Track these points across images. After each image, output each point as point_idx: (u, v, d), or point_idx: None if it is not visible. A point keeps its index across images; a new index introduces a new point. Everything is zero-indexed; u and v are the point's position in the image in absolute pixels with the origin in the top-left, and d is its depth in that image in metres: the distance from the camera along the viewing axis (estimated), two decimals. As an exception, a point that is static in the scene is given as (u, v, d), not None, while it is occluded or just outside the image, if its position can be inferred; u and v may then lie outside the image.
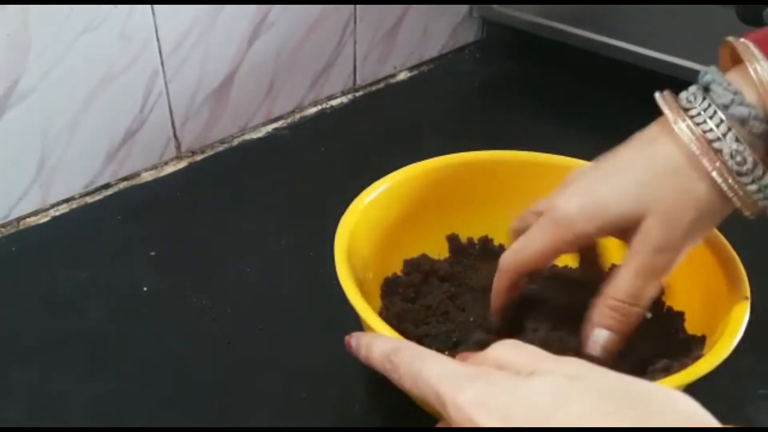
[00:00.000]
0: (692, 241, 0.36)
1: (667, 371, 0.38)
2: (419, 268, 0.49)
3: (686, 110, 0.35)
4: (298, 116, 0.77)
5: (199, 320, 0.51)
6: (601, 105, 0.80)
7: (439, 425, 0.31)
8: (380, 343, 0.34)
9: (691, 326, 0.43)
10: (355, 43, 0.80)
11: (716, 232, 0.43)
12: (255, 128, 0.74)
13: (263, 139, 0.73)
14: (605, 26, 0.78)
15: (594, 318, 0.38)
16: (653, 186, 0.35)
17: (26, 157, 0.59)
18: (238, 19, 0.67)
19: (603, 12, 0.79)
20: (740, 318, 0.37)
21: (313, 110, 0.79)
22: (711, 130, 0.33)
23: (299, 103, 0.78)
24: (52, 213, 0.62)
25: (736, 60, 0.36)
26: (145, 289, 0.54)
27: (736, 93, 0.33)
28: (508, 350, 0.30)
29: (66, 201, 0.63)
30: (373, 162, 0.65)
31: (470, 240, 0.51)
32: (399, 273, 0.49)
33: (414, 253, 0.50)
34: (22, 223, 0.60)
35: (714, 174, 0.34)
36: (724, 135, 0.33)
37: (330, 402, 0.45)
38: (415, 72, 0.88)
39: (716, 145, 0.33)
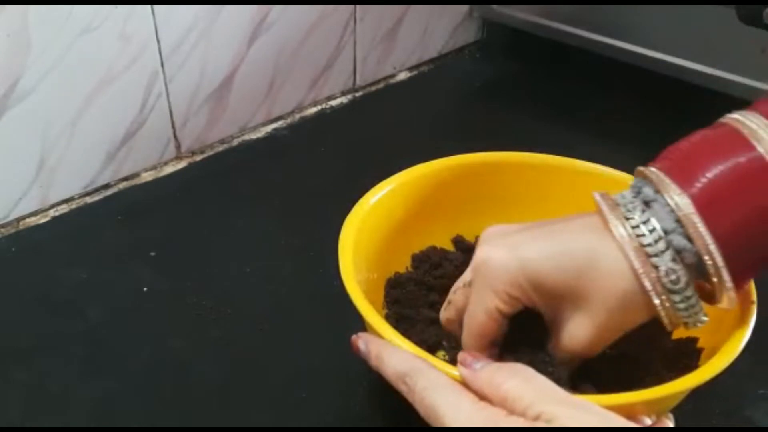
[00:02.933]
0: (610, 340, 0.37)
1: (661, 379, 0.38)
2: (429, 260, 0.49)
3: (627, 221, 0.35)
4: (298, 116, 0.77)
5: (199, 320, 0.51)
6: (601, 105, 0.80)
7: None
8: (393, 359, 0.35)
9: (695, 329, 0.43)
10: (355, 43, 0.80)
11: None
12: (255, 128, 0.74)
13: (263, 139, 0.73)
14: (605, 26, 0.79)
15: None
16: (589, 277, 0.35)
17: (26, 158, 0.59)
18: (238, 19, 0.67)
19: (603, 12, 0.79)
20: (747, 323, 0.37)
21: (313, 110, 0.79)
22: (651, 245, 0.34)
23: (299, 103, 0.78)
24: (52, 213, 0.62)
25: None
26: (145, 289, 0.54)
27: (677, 221, 0.34)
28: (519, 384, 0.31)
29: (66, 201, 0.63)
30: (372, 162, 0.65)
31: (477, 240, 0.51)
32: (405, 270, 0.49)
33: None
34: (21, 223, 0.60)
35: (650, 289, 0.34)
36: (662, 253, 0.34)
37: (330, 402, 0.45)
38: (415, 72, 0.88)
39: (654, 260, 0.34)
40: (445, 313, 0.41)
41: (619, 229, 0.34)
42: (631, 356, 0.41)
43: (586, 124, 0.76)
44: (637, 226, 0.34)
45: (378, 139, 0.74)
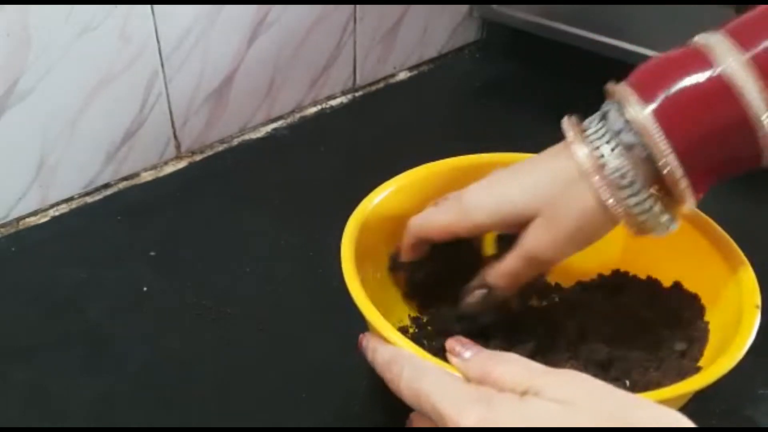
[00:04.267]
0: (573, 247, 0.39)
1: (683, 354, 0.40)
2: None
3: (584, 132, 0.38)
4: (298, 116, 0.77)
5: (199, 320, 0.51)
6: (600, 105, 0.79)
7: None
8: (383, 349, 0.36)
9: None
10: (355, 43, 0.80)
11: (727, 237, 0.43)
12: (255, 128, 0.74)
13: (263, 139, 0.73)
14: (605, 26, 0.78)
15: (473, 284, 0.43)
16: (548, 191, 0.38)
17: (26, 157, 0.59)
18: (238, 19, 0.67)
19: (603, 12, 0.79)
20: (750, 326, 0.37)
21: (313, 110, 0.79)
22: (599, 148, 0.37)
23: (299, 103, 0.78)
24: (52, 213, 0.62)
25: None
26: (145, 289, 0.54)
27: (626, 122, 0.36)
28: (507, 368, 0.32)
29: (66, 201, 0.63)
30: (372, 162, 0.65)
31: None
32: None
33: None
34: (21, 223, 0.60)
35: (598, 187, 0.37)
36: (611, 151, 0.37)
37: (330, 402, 0.45)
38: (415, 72, 0.88)
39: (601, 161, 0.37)
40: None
41: (576, 144, 0.38)
42: (632, 314, 0.42)
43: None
44: (591, 135, 0.37)
45: (378, 139, 0.74)
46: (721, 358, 0.36)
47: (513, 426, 0.28)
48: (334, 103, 0.80)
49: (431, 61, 0.90)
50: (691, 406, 0.37)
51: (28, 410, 0.44)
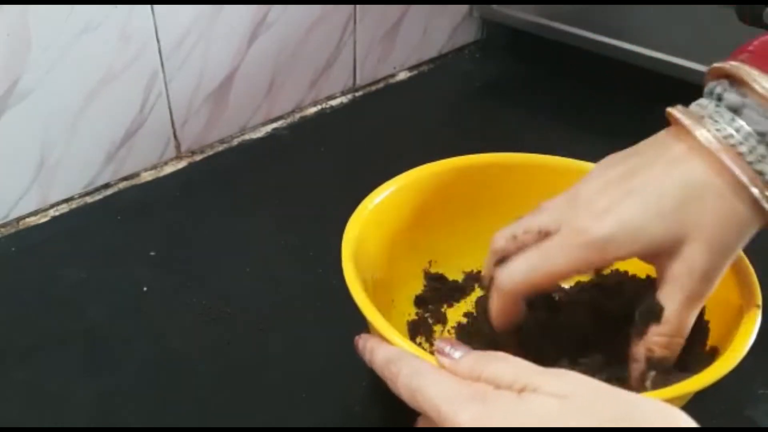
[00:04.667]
0: (732, 260, 0.36)
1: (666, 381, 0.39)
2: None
3: (707, 120, 0.34)
4: (298, 116, 0.77)
5: (199, 320, 0.51)
6: (601, 105, 0.80)
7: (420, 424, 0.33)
8: (381, 349, 0.36)
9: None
10: (355, 43, 0.80)
11: None
12: (255, 128, 0.74)
13: (263, 139, 0.73)
14: (605, 26, 0.78)
15: (642, 356, 0.37)
16: (693, 210, 0.34)
17: (26, 157, 0.59)
18: (238, 19, 0.67)
19: (603, 12, 0.79)
20: (751, 326, 0.37)
21: (313, 110, 0.79)
22: (732, 135, 0.33)
23: (299, 103, 0.78)
24: (52, 213, 0.62)
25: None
26: (145, 289, 0.54)
27: (754, 101, 0.33)
28: (498, 367, 0.31)
29: (66, 201, 0.63)
30: (372, 162, 0.65)
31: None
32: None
33: (422, 255, 0.50)
34: (21, 222, 0.60)
35: (760, 199, 0.33)
36: (765, 156, 0.33)
37: (330, 402, 0.45)
38: (415, 72, 0.88)
39: (758, 167, 0.33)
40: (501, 242, 0.39)
41: (710, 139, 0.33)
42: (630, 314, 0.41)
43: (587, 123, 0.76)
44: (730, 135, 0.33)
45: (378, 138, 0.74)
46: (721, 358, 0.36)
47: (510, 422, 0.28)
48: (334, 103, 0.80)
49: (431, 61, 0.90)
50: (691, 406, 0.37)
51: (28, 410, 0.44)
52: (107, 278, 0.55)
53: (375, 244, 0.46)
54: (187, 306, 0.52)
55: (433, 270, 0.51)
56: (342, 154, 0.71)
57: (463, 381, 0.32)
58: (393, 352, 0.35)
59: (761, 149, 0.33)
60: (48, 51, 0.56)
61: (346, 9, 0.76)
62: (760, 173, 0.33)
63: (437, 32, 0.89)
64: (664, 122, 0.38)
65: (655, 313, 0.36)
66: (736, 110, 0.34)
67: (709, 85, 0.36)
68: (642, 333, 0.37)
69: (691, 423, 0.27)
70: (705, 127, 0.34)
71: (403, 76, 0.87)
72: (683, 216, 0.34)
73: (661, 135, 0.37)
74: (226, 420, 0.44)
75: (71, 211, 0.62)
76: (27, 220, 0.61)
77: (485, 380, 0.31)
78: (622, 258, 0.36)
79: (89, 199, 0.64)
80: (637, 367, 0.37)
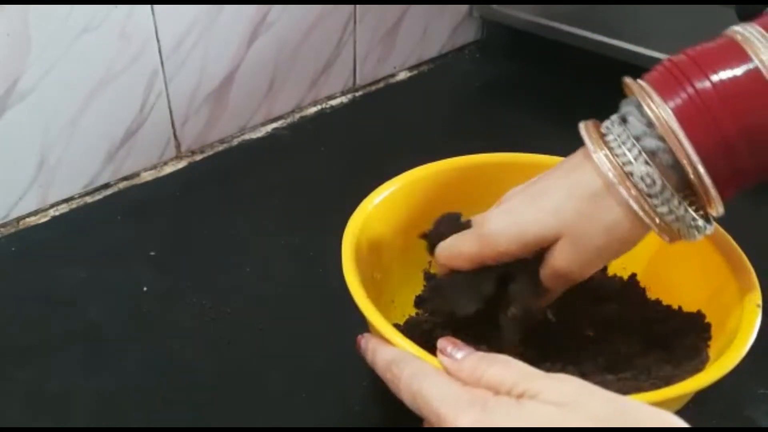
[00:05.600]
0: (602, 262, 0.39)
1: (668, 381, 0.38)
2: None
3: (604, 139, 0.36)
4: (298, 116, 0.77)
5: (199, 320, 0.51)
6: (601, 105, 0.79)
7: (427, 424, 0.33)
8: (384, 351, 0.36)
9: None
10: (355, 43, 0.80)
11: (728, 238, 0.43)
12: (255, 128, 0.74)
13: (263, 139, 0.73)
14: (605, 26, 0.79)
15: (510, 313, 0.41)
16: (569, 210, 0.37)
17: (26, 157, 0.59)
18: (238, 19, 0.67)
19: (603, 12, 0.79)
20: (751, 326, 0.37)
21: (313, 110, 0.79)
22: (625, 155, 0.35)
23: (299, 103, 0.78)
24: (52, 213, 0.62)
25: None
26: (145, 289, 0.54)
27: (648, 125, 0.34)
28: (499, 370, 0.32)
29: (66, 201, 0.63)
30: (372, 162, 0.65)
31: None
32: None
33: (422, 255, 0.50)
34: (21, 222, 0.60)
35: (627, 198, 0.35)
36: (635, 159, 0.34)
37: (330, 402, 0.45)
38: (415, 72, 0.88)
39: (627, 168, 0.34)
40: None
41: (597, 153, 0.35)
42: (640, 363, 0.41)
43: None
44: (611, 141, 0.35)
45: (378, 138, 0.74)
46: (722, 357, 0.36)
47: (508, 426, 0.28)
48: (334, 103, 0.80)
49: (431, 61, 0.90)
50: (691, 406, 0.37)
51: (28, 410, 0.44)
52: (107, 278, 0.55)
53: (375, 245, 0.46)
54: (187, 306, 0.52)
55: (433, 270, 0.51)
56: (342, 154, 0.71)
57: (464, 386, 0.32)
58: (395, 354, 0.35)
59: (634, 151, 0.34)
60: (48, 51, 0.56)
61: (346, 9, 0.76)
62: (628, 174, 0.35)
63: (437, 32, 0.89)
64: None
65: (533, 286, 0.40)
66: (624, 118, 0.36)
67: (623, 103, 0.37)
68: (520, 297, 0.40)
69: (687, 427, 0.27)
70: (591, 132, 0.37)
71: (403, 76, 0.87)
72: (561, 215, 0.37)
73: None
74: (226, 420, 0.44)
75: (71, 211, 0.62)
76: (27, 220, 0.61)
77: (485, 383, 0.31)
78: (514, 252, 0.38)
79: (89, 199, 0.64)
80: (507, 320, 0.41)
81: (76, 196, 0.63)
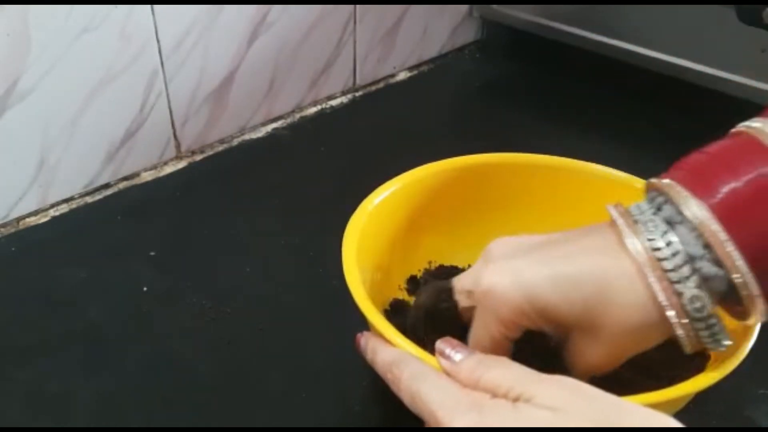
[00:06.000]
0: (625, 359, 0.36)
1: (669, 381, 0.38)
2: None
3: (641, 227, 0.33)
4: (298, 116, 0.77)
5: (199, 320, 0.51)
6: (600, 105, 0.80)
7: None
8: (384, 351, 0.36)
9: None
10: (355, 43, 0.80)
11: None
12: (255, 128, 0.74)
13: (263, 139, 0.73)
14: (605, 26, 0.79)
15: None
16: (602, 305, 0.33)
17: (26, 157, 0.59)
18: (238, 19, 0.67)
19: (603, 12, 0.79)
20: (752, 327, 0.37)
21: (313, 110, 0.79)
22: (674, 270, 0.32)
23: (299, 103, 0.78)
24: (52, 213, 0.62)
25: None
26: (145, 289, 0.54)
27: (705, 247, 0.32)
28: (497, 373, 0.32)
29: (66, 201, 0.63)
30: (372, 162, 0.65)
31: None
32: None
33: (423, 256, 0.50)
34: (21, 223, 0.60)
35: (676, 326, 0.33)
36: (687, 278, 0.32)
37: (330, 402, 0.45)
38: (415, 72, 0.88)
39: (677, 287, 0.32)
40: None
41: (638, 248, 0.32)
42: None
43: (587, 123, 0.76)
44: (659, 249, 0.32)
45: (378, 138, 0.74)
46: (722, 359, 0.36)
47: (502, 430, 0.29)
48: (334, 103, 0.80)
49: (431, 61, 0.90)
50: (691, 406, 0.37)
51: (28, 410, 0.44)
52: (107, 278, 0.55)
53: (375, 245, 0.46)
54: (187, 306, 0.52)
55: (433, 266, 0.51)
56: (342, 154, 0.71)
57: (463, 389, 0.32)
58: (395, 355, 0.35)
59: (686, 270, 0.32)
60: (48, 51, 0.56)
61: (346, 9, 0.76)
62: (678, 294, 0.32)
63: (437, 32, 0.89)
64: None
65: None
66: (671, 224, 0.33)
67: (651, 194, 0.35)
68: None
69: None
70: (636, 236, 0.33)
71: (403, 76, 0.87)
72: (587, 307, 0.33)
73: (596, 224, 0.36)
74: (226, 420, 0.44)
75: (71, 211, 0.62)
76: (27, 220, 0.61)
77: (483, 386, 0.31)
78: (513, 317, 0.35)
79: (89, 199, 0.64)
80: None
81: (76, 196, 0.63)
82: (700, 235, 0.32)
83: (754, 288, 0.32)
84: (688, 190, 0.32)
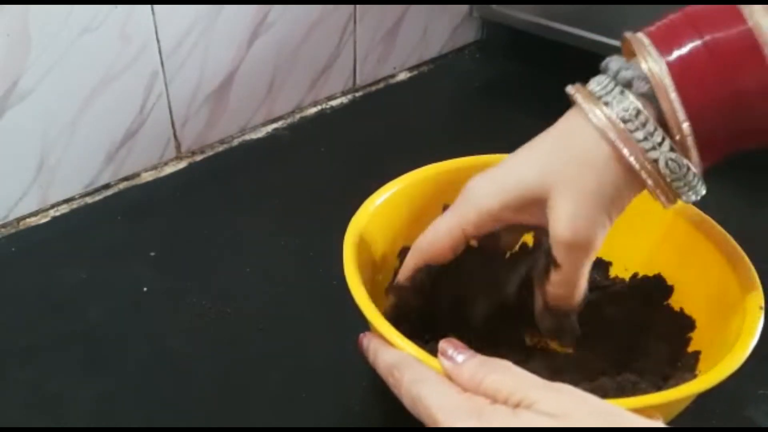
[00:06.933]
0: (605, 216, 0.36)
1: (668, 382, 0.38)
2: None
3: (598, 97, 0.35)
4: (298, 116, 0.77)
5: (199, 320, 0.51)
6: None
7: None
8: (386, 353, 0.36)
9: (703, 334, 0.43)
10: (355, 43, 0.80)
11: (729, 238, 0.43)
12: (255, 128, 0.74)
13: (263, 140, 0.73)
14: (605, 26, 0.78)
15: (541, 303, 0.39)
16: (558, 159, 0.35)
17: (26, 158, 0.59)
18: (238, 19, 0.67)
19: (603, 12, 0.79)
20: (754, 328, 0.37)
21: (313, 110, 0.79)
22: (611, 103, 0.34)
23: (299, 103, 0.78)
24: (52, 213, 0.62)
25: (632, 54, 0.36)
26: (145, 289, 0.54)
27: (641, 76, 0.34)
28: (498, 377, 0.32)
29: (66, 201, 0.63)
30: (372, 162, 0.65)
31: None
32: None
33: None
34: (22, 223, 0.60)
35: (615, 140, 0.34)
36: (618, 97, 0.34)
37: (330, 402, 0.45)
38: (415, 72, 0.88)
39: (652, 154, 0.33)
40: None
41: (586, 105, 0.35)
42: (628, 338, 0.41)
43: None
44: (599, 90, 0.35)
45: (378, 139, 0.74)
46: (725, 359, 0.36)
47: None
48: (334, 103, 0.80)
49: (431, 61, 0.90)
50: (691, 406, 0.37)
51: (28, 410, 0.44)
52: (107, 278, 0.55)
53: (376, 246, 0.46)
54: (187, 306, 0.52)
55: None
56: (342, 154, 0.71)
57: (463, 393, 0.32)
58: (397, 357, 0.35)
59: (658, 136, 0.33)
60: (48, 51, 0.56)
61: (346, 9, 0.76)
62: (653, 161, 0.33)
63: (437, 32, 0.89)
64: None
65: (548, 264, 0.37)
66: (627, 84, 0.34)
67: (605, 60, 0.37)
68: (542, 283, 0.38)
69: None
70: (598, 107, 0.35)
71: (403, 76, 0.87)
72: (550, 166, 0.35)
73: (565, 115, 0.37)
74: (226, 420, 0.44)
75: (71, 212, 0.62)
76: (27, 220, 0.61)
77: (484, 390, 0.31)
78: (496, 211, 0.36)
79: (89, 200, 0.64)
80: (537, 311, 0.40)
81: (77, 196, 0.63)
82: (636, 66, 0.34)
83: (689, 138, 0.33)
84: (652, 44, 0.34)
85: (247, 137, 0.73)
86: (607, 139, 0.34)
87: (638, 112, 0.33)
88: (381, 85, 0.85)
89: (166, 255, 0.57)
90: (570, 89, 0.36)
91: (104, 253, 0.57)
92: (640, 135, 0.33)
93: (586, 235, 0.35)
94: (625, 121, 0.34)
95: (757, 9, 0.32)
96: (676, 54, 0.33)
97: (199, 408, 0.45)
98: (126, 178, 0.66)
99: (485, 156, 0.51)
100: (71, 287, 0.54)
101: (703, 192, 0.35)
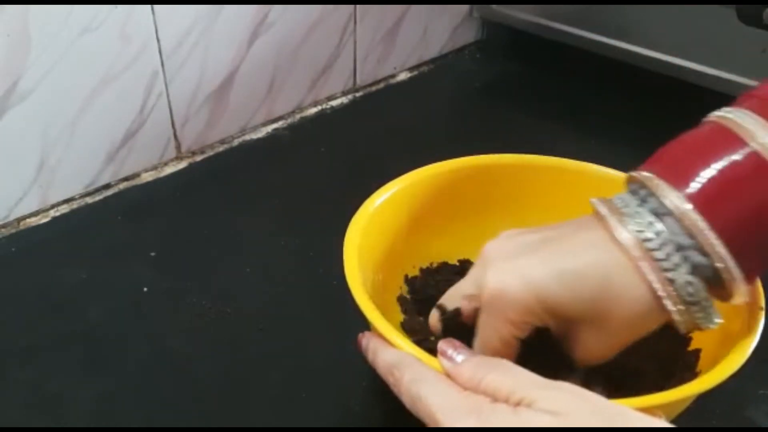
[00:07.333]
0: (630, 340, 0.36)
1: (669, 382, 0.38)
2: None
3: (627, 219, 0.34)
4: (298, 116, 0.77)
5: (199, 320, 0.51)
6: (600, 105, 0.80)
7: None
8: (386, 353, 0.36)
9: (704, 333, 0.43)
10: (355, 43, 0.80)
11: None
12: (255, 128, 0.74)
13: (263, 140, 0.74)
14: (605, 26, 0.78)
15: None
16: (605, 299, 0.34)
17: (26, 158, 0.59)
18: (238, 19, 0.67)
19: (603, 12, 0.79)
20: (755, 328, 0.37)
21: (313, 110, 0.79)
22: (650, 239, 0.33)
23: (299, 103, 0.78)
24: (52, 213, 0.62)
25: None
26: (145, 289, 0.54)
27: (691, 236, 0.33)
28: (497, 377, 0.32)
29: (66, 201, 0.63)
30: (372, 162, 0.65)
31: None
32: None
33: (423, 256, 0.50)
34: (22, 223, 0.60)
35: (673, 312, 0.34)
36: (678, 266, 0.33)
37: (330, 402, 0.45)
38: (415, 72, 0.88)
39: (669, 275, 0.33)
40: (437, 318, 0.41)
41: (629, 241, 0.33)
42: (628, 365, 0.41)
43: (587, 124, 0.76)
44: (649, 240, 0.33)
45: (378, 139, 0.74)
46: (726, 359, 0.36)
47: None
48: (334, 103, 0.80)
49: (431, 61, 0.90)
50: (691, 406, 0.37)
51: (28, 410, 0.44)
52: (107, 278, 0.55)
53: (376, 246, 0.46)
54: (187, 306, 0.52)
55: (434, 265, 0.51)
56: (342, 155, 0.71)
57: (463, 392, 0.32)
58: (396, 357, 0.35)
59: (676, 258, 0.33)
60: (48, 51, 0.56)
61: (346, 9, 0.76)
62: (670, 281, 0.33)
63: (437, 32, 0.89)
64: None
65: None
66: (658, 215, 0.34)
67: (632, 186, 0.36)
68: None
69: None
70: (626, 228, 0.34)
71: (403, 76, 0.87)
72: (594, 299, 0.34)
73: (582, 218, 0.37)
74: (225, 420, 0.44)
75: (71, 212, 0.62)
76: (27, 220, 0.61)
77: (484, 389, 0.31)
78: (522, 317, 0.35)
79: (89, 200, 0.64)
80: None
81: (77, 196, 0.63)
82: (683, 225, 0.33)
83: (736, 272, 0.33)
84: (667, 183, 0.34)
85: (247, 137, 0.73)
86: (658, 298, 0.33)
87: (691, 282, 0.33)
88: (381, 85, 0.85)
89: (166, 255, 0.57)
90: (605, 211, 0.35)
91: (104, 253, 0.57)
92: (691, 298, 0.33)
93: (609, 356, 0.37)
94: (677, 284, 0.33)
95: (751, 130, 0.33)
96: (694, 186, 0.33)
97: (199, 408, 0.45)
98: (126, 178, 0.66)
99: (485, 156, 0.51)
100: (71, 287, 0.54)
101: (719, 322, 0.35)
